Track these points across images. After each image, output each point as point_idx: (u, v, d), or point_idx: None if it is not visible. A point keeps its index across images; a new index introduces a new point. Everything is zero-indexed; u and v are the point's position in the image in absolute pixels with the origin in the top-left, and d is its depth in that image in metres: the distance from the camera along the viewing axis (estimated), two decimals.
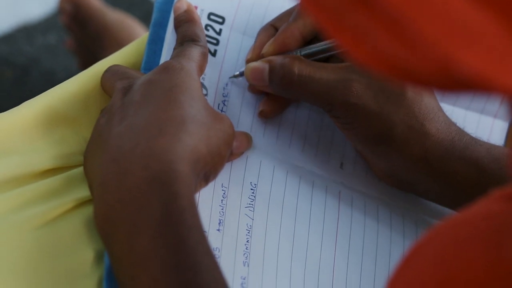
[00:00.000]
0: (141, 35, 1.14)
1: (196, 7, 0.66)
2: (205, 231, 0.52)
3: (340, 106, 0.61)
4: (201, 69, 0.62)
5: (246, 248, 0.60)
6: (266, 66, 0.63)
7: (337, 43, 0.35)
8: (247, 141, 0.64)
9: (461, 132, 0.62)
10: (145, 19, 1.29)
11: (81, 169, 0.60)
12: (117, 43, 1.14)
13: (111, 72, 0.62)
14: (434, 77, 0.34)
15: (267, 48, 0.64)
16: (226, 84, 0.66)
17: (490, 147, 0.62)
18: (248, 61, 0.65)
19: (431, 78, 0.34)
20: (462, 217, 0.40)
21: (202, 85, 0.64)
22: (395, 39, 0.33)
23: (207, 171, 0.56)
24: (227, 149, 0.58)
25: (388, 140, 0.61)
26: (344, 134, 0.64)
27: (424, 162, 0.61)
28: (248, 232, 0.61)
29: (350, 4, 0.33)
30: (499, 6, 0.32)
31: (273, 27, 0.66)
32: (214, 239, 0.59)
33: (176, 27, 0.65)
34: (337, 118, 0.62)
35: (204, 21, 0.66)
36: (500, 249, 0.36)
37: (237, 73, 0.65)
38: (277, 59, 0.63)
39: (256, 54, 0.65)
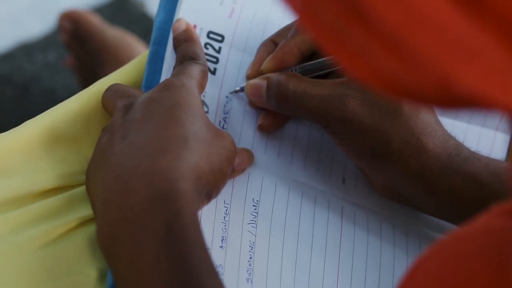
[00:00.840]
0: (140, 52, 1.14)
1: (195, 26, 0.66)
2: (208, 248, 0.52)
3: (336, 122, 0.61)
4: (201, 87, 0.62)
5: (249, 265, 0.60)
6: (264, 83, 0.63)
7: (335, 59, 0.35)
8: (249, 158, 0.64)
9: (459, 146, 0.62)
10: (144, 35, 1.29)
11: (83, 188, 0.60)
12: (116, 60, 1.14)
13: (112, 90, 0.63)
14: (433, 94, 0.33)
15: (265, 64, 0.64)
16: (227, 102, 0.66)
17: (488, 161, 0.62)
18: (248, 77, 0.65)
19: (429, 95, 0.34)
20: (463, 232, 0.40)
21: (203, 103, 0.64)
22: (393, 57, 0.33)
23: (209, 188, 0.56)
24: (228, 166, 0.58)
25: (385, 155, 0.61)
26: (342, 150, 0.64)
27: (421, 177, 0.61)
28: (251, 249, 0.61)
29: (346, 20, 0.33)
30: (496, 23, 0.31)
31: (273, 42, 0.66)
32: (217, 256, 0.59)
33: (175, 46, 0.65)
34: (334, 134, 0.63)
35: (203, 39, 0.66)
36: (503, 265, 0.36)
37: (238, 88, 0.66)
38: (274, 76, 0.63)
39: (256, 70, 0.65)
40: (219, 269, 0.59)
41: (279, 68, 0.64)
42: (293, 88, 0.62)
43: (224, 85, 0.66)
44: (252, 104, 0.66)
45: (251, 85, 0.64)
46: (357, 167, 0.67)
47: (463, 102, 0.33)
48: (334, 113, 0.61)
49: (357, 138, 0.61)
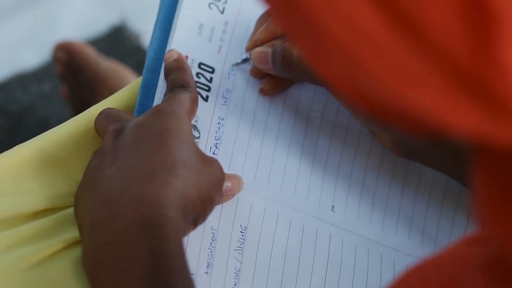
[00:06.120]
0: None
1: (187, 57, 0.67)
2: (192, 274, 0.52)
3: None
4: (191, 114, 0.63)
5: None
6: (270, 50, 0.65)
7: (313, 66, 0.36)
8: (238, 184, 0.64)
9: None
10: (138, 68, 1.30)
11: (71, 210, 0.60)
12: (109, 91, 1.14)
13: (104, 114, 0.63)
14: (392, 111, 0.34)
15: (258, 35, 0.66)
16: (219, 128, 0.66)
17: None
18: (247, 49, 0.68)
19: (390, 112, 0.34)
20: (432, 260, 0.41)
21: (195, 128, 0.65)
22: (357, 73, 0.33)
23: (196, 215, 0.57)
24: (217, 193, 0.59)
25: None
26: (348, 110, 0.65)
27: None
28: (236, 276, 0.61)
29: (314, 37, 0.34)
30: (429, 48, 0.32)
31: (268, 16, 0.68)
32: (201, 283, 0.59)
33: (166, 75, 0.65)
34: (340, 95, 0.64)
35: (195, 69, 0.67)
36: None
37: (239, 60, 0.68)
38: (278, 43, 0.65)
39: (253, 43, 0.67)
40: None
41: (271, 39, 0.66)
42: (297, 54, 0.64)
43: (216, 111, 0.67)
44: (256, 72, 0.67)
45: (257, 53, 0.66)
46: (365, 127, 0.68)
47: (417, 122, 0.33)
48: None
49: None
